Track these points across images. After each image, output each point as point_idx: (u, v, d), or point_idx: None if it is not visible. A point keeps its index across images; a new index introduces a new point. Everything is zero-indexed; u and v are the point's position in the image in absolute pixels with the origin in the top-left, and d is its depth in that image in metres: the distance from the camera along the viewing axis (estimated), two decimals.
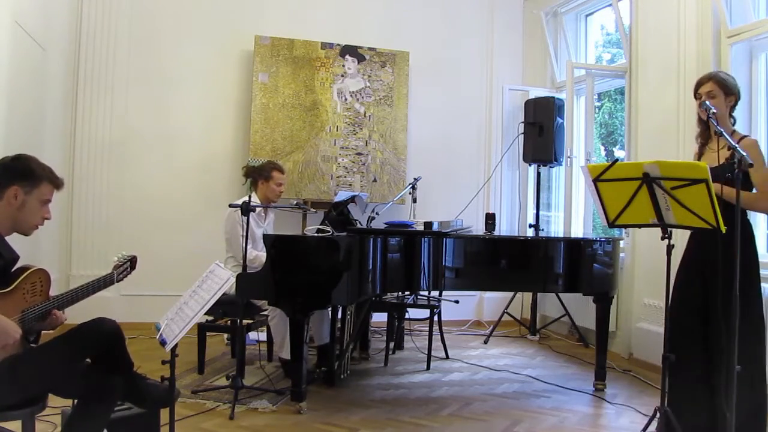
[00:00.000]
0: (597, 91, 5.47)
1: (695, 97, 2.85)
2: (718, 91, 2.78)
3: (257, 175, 4.16)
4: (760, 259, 3.85)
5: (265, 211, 4.22)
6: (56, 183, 2.24)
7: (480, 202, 5.82)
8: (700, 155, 2.91)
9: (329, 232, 3.45)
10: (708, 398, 2.70)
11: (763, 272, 3.60)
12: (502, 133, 6.04)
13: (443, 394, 3.76)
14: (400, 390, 3.80)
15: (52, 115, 4.50)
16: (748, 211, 2.78)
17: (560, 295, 5.24)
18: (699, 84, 2.85)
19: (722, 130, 2.51)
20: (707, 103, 2.67)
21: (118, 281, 2.39)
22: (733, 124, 2.86)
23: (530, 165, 5.71)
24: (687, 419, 2.66)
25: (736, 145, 2.35)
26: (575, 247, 3.86)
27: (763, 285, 3.50)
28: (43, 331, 2.26)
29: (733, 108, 2.83)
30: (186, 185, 5.30)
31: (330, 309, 3.92)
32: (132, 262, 2.45)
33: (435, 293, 4.58)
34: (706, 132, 2.87)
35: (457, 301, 4.81)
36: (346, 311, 3.93)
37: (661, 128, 4.33)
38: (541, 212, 5.62)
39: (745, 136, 2.79)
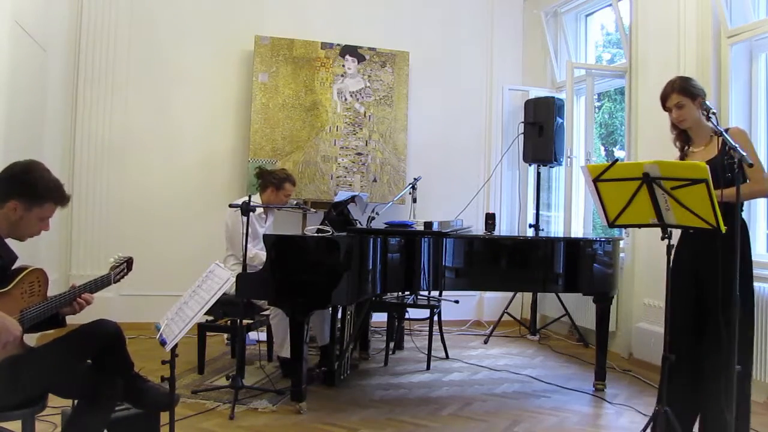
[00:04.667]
0: (597, 91, 5.47)
1: (664, 110, 2.84)
2: (685, 100, 2.77)
3: (270, 181, 4.13)
4: (760, 260, 3.86)
5: (265, 212, 4.22)
6: (61, 203, 2.21)
7: (480, 202, 5.82)
8: (683, 158, 2.88)
9: (329, 232, 3.45)
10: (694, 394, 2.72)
11: (762, 272, 3.63)
12: (502, 133, 6.04)
13: (443, 394, 3.76)
14: (400, 390, 3.80)
15: (52, 115, 4.50)
16: (743, 212, 2.76)
17: (560, 295, 5.24)
18: (664, 98, 2.82)
19: (721, 129, 2.50)
20: (707, 103, 2.67)
21: (115, 282, 2.39)
22: (715, 118, 2.68)
23: (530, 165, 5.71)
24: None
25: (736, 146, 2.34)
26: (575, 247, 3.86)
27: (762, 285, 3.53)
28: (41, 333, 2.26)
29: (703, 106, 2.74)
30: (186, 185, 5.29)
31: (330, 309, 3.92)
32: (128, 263, 2.45)
33: (435, 293, 4.58)
34: (683, 134, 2.87)
35: (457, 301, 4.81)
36: (346, 311, 3.92)
37: (661, 128, 4.29)
38: (541, 212, 5.62)
39: (729, 129, 2.70)
